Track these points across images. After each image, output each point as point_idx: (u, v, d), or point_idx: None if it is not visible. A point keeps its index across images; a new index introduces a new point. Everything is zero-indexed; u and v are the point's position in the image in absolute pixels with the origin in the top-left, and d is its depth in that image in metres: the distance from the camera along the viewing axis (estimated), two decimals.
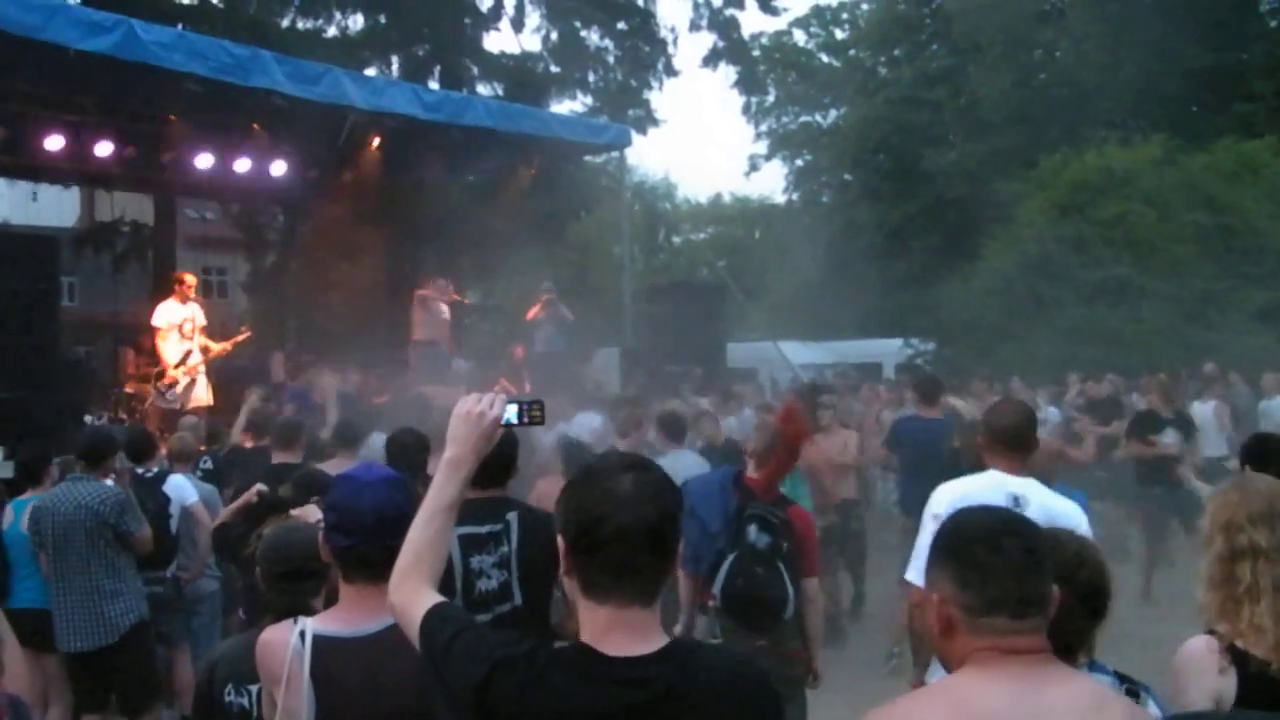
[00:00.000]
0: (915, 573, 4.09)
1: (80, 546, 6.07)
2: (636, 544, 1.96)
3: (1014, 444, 4.29)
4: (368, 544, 2.65)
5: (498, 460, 3.33)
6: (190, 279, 12.46)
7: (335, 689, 2.60)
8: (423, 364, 13.72)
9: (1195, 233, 20.25)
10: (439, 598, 2.21)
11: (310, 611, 2.88)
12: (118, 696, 6.36)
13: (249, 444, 8.45)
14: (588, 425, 10.04)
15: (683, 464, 6.91)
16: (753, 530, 5.14)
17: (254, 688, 2.89)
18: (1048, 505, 4.00)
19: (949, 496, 4.12)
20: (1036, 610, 1.96)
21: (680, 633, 5.25)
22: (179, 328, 11.87)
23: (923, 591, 3.87)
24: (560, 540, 2.03)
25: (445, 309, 14.35)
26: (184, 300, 12.07)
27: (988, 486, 4.14)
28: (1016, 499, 3.99)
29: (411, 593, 2.21)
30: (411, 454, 5.00)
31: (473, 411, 2.38)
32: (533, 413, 2.48)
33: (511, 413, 2.44)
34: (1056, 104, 29.23)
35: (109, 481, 6.37)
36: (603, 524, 1.96)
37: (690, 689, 1.97)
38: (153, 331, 11.98)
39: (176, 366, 11.74)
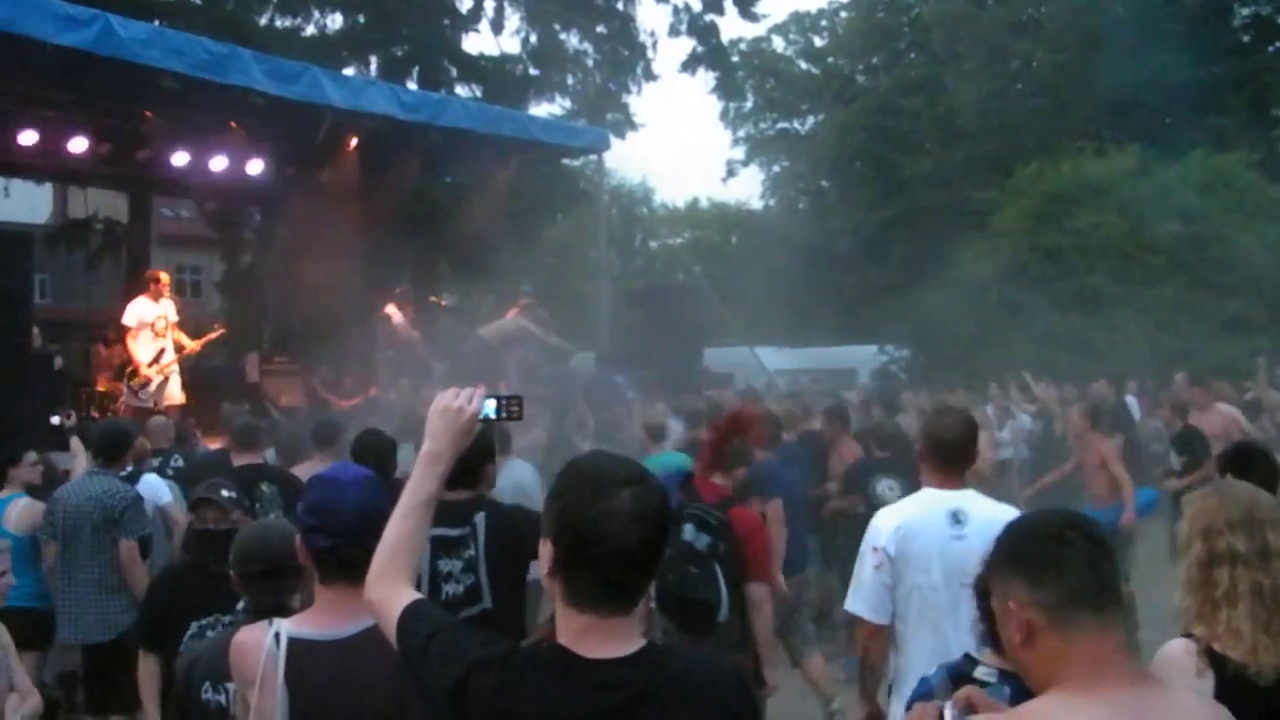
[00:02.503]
0: (862, 604, 3.99)
1: (87, 540, 6.09)
2: (632, 563, 1.95)
3: (955, 457, 4.08)
4: (348, 546, 2.59)
5: (470, 460, 3.27)
6: (164, 277, 12.34)
7: (309, 691, 2.57)
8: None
9: (1168, 243, 20.40)
10: (416, 595, 2.18)
11: (289, 612, 2.85)
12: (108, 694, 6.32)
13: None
14: None
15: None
16: (689, 529, 5.04)
17: (231, 685, 2.85)
18: (990, 515, 3.84)
19: (889, 525, 3.98)
20: (1115, 604, 1.96)
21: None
22: (151, 325, 11.77)
23: (870, 625, 3.96)
24: (547, 545, 1.98)
25: (399, 317, 14.18)
26: (157, 298, 11.95)
27: (927, 505, 4.02)
28: (956, 514, 3.91)
29: (389, 589, 2.18)
30: None
31: (450, 406, 2.33)
32: (511, 408, 2.43)
33: (490, 408, 2.39)
34: (1032, 114, 29.46)
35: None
36: (602, 543, 1.92)
37: (665, 692, 1.96)
38: (124, 330, 11.85)
39: (150, 365, 11.63)
